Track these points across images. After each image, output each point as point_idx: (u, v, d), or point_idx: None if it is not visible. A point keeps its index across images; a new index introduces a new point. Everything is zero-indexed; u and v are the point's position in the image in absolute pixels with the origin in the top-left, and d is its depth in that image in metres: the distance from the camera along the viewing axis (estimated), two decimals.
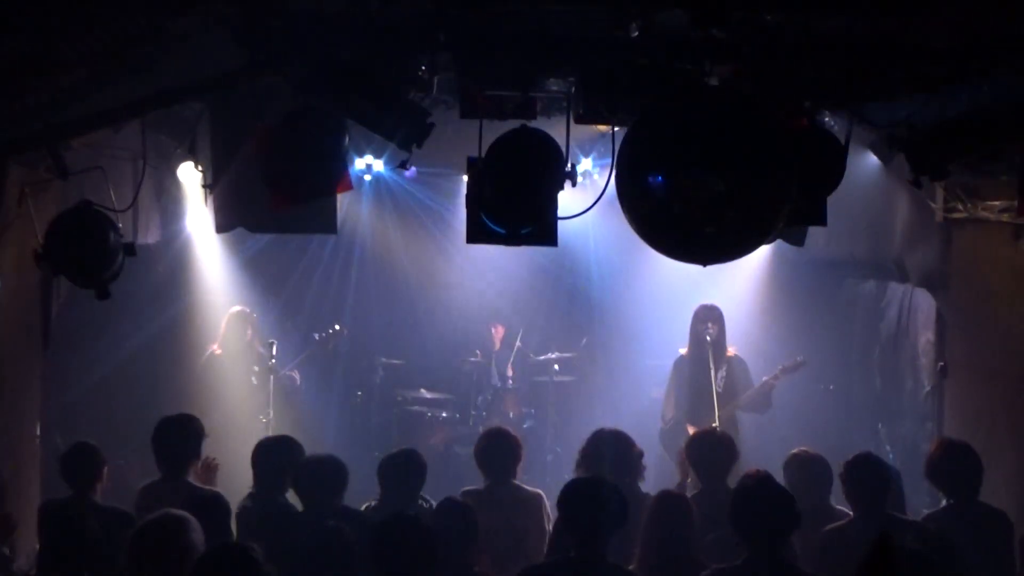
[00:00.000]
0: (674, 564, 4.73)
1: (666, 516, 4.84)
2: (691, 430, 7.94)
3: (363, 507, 5.71)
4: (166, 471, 5.76)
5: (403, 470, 5.63)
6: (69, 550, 4.71)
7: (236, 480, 6.26)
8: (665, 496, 5.02)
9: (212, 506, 5.05)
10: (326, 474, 5.45)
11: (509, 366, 10.36)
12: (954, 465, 5.39)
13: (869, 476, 5.21)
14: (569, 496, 4.73)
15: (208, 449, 6.03)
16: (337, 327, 9.54)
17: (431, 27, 4.31)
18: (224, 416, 8.62)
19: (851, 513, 5.52)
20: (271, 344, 9.02)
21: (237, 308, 9.30)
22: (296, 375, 9.21)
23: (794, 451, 5.67)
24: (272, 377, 8.93)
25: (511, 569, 5.21)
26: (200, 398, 8.32)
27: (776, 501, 4.53)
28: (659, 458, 8.48)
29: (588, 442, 5.71)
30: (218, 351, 9.06)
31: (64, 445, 6.03)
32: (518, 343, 10.44)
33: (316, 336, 9.57)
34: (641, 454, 5.69)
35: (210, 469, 5.96)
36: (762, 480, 4.64)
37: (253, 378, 9.03)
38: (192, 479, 5.77)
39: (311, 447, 5.82)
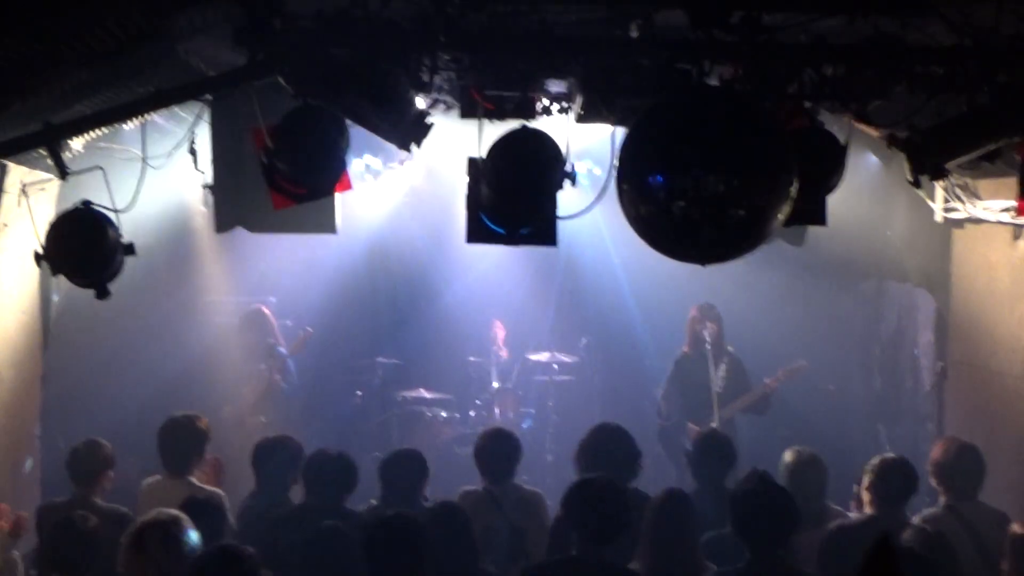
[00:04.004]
0: (677, 563, 4.73)
1: (671, 515, 4.83)
2: (693, 429, 7.96)
3: (364, 507, 5.72)
4: (170, 470, 5.78)
5: (405, 470, 5.63)
6: (68, 551, 4.72)
7: (236, 479, 6.27)
8: (670, 495, 5.01)
9: (209, 506, 5.06)
10: (336, 471, 5.46)
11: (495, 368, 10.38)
12: (963, 466, 5.41)
13: (902, 480, 5.24)
14: (576, 497, 4.73)
15: (208, 448, 6.04)
16: (306, 330, 9.46)
17: (431, 27, 4.31)
18: (225, 416, 8.64)
19: (848, 514, 5.54)
20: (272, 346, 9.02)
21: (254, 307, 9.33)
22: (279, 378, 9.17)
23: (791, 451, 5.68)
24: (270, 380, 8.94)
25: (511, 569, 5.21)
26: (200, 397, 8.31)
27: (777, 503, 4.54)
28: (657, 457, 8.50)
29: (588, 436, 5.72)
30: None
31: (64, 445, 6.04)
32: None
33: (299, 331, 9.53)
34: (639, 452, 5.69)
35: (218, 469, 5.97)
36: (763, 482, 4.64)
37: (255, 378, 9.03)
38: (195, 479, 5.78)
39: (311, 447, 5.83)
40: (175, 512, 4.45)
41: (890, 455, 5.48)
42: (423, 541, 4.47)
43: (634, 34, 4.50)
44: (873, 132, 5.15)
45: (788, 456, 5.63)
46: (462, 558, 4.80)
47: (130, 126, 5.53)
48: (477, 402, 10.26)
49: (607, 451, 5.56)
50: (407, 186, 10.06)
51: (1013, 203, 5.98)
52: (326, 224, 5.92)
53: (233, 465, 6.23)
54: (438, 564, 4.61)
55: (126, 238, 4.58)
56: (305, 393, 9.45)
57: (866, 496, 5.34)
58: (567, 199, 4.63)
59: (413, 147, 4.71)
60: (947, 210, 6.99)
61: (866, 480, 5.32)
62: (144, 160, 4.84)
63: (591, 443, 5.67)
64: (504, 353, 10.42)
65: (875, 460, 5.35)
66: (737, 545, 4.68)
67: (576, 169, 4.55)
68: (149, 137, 4.90)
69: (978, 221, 6.72)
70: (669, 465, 8.53)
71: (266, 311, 9.37)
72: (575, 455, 5.73)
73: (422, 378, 10.36)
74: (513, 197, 4.57)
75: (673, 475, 8.29)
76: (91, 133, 5.46)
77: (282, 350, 9.14)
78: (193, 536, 4.35)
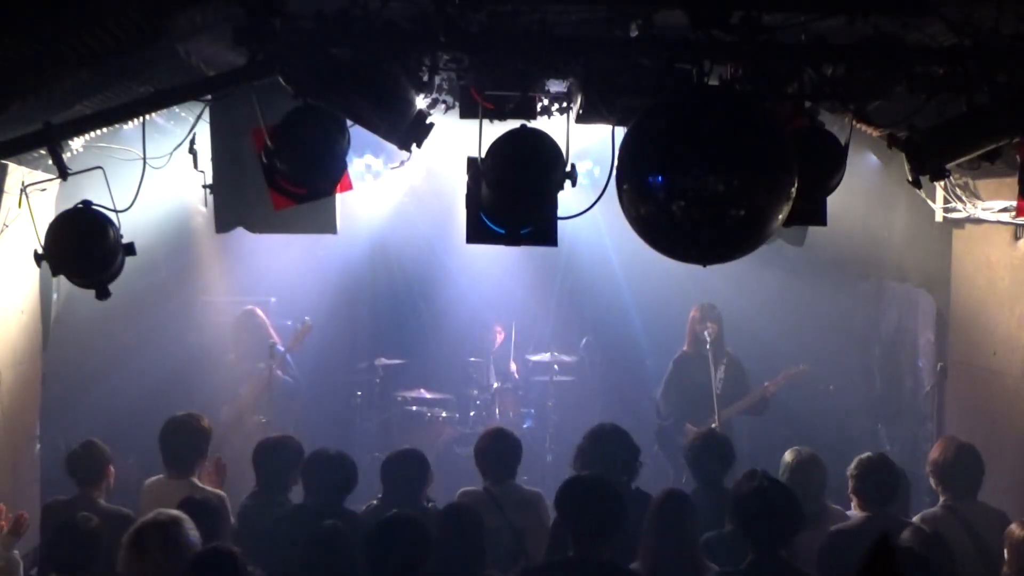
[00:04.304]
0: (678, 563, 4.73)
1: (672, 515, 4.84)
2: (692, 429, 7.96)
3: (364, 507, 5.72)
4: (172, 470, 5.78)
5: (407, 470, 5.64)
6: (69, 551, 4.72)
7: (236, 479, 6.27)
8: (670, 495, 5.02)
9: (211, 506, 5.06)
10: (335, 471, 5.46)
11: (512, 362, 10.36)
12: (961, 465, 5.42)
13: (885, 478, 5.23)
14: (567, 494, 4.74)
15: (209, 447, 6.04)
16: (305, 322, 9.41)
17: (431, 27, 4.30)
18: (224, 416, 8.64)
19: (848, 513, 5.54)
20: (271, 345, 9.02)
21: (246, 308, 9.32)
22: (280, 373, 9.13)
23: (791, 451, 5.68)
24: (271, 377, 8.93)
25: (511, 569, 5.21)
26: (200, 397, 8.32)
27: (782, 502, 4.54)
28: (656, 457, 8.51)
29: (587, 437, 5.72)
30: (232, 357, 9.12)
31: (64, 445, 6.05)
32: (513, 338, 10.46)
33: (298, 324, 9.51)
34: (638, 452, 5.69)
35: (219, 470, 5.98)
36: (767, 480, 4.65)
37: (254, 378, 9.02)
38: (198, 479, 5.79)
39: (311, 448, 5.83)
40: (175, 513, 4.45)
41: (867, 455, 5.43)
42: (423, 540, 4.47)
43: (634, 34, 4.50)
44: (873, 132, 5.14)
45: (788, 456, 5.63)
46: (469, 561, 4.80)
47: (130, 126, 5.54)
48: (477, 402, 10.26)
49: (604, 452, 5.57)
50: (407, 186, 10.05)
51: (1013, 203, 5.98)
52: (326, 224, 5.92)
53: (232, 466, 6.23)
54: (445, 566, 4.62)
55: (126, 238, 4.58)
56: (305, 393, 9.44)
57: (854, 499, 5.35)
58: (567, 199, 4.63)
59: (413, 147, 4.71)
60: (947, 210, 6.99)
61: (850, 484, 5.32)
62: (144, 160, 4.83)
63: (589, 445, 5.67)
64: (502, 352, 10.40)
65: (853, 463, 5.33)
66: (736, 544, 4.68)
67: (576, 169, 4.54)
68: (149, 137, 4.90)
69: (978, 221, 6.72)
70: (668, 465, 8.53)
71: (258, 312, 9.36)
72: (573, 458, 5.73)
73: (422, 378, 10.36)
74: (513, 197, 4.57)
75: (672, 475, 8.30)
76: (91, 133, 5.46)
77: (279, 347, 9.13)
78: (193, 537, 4.34)
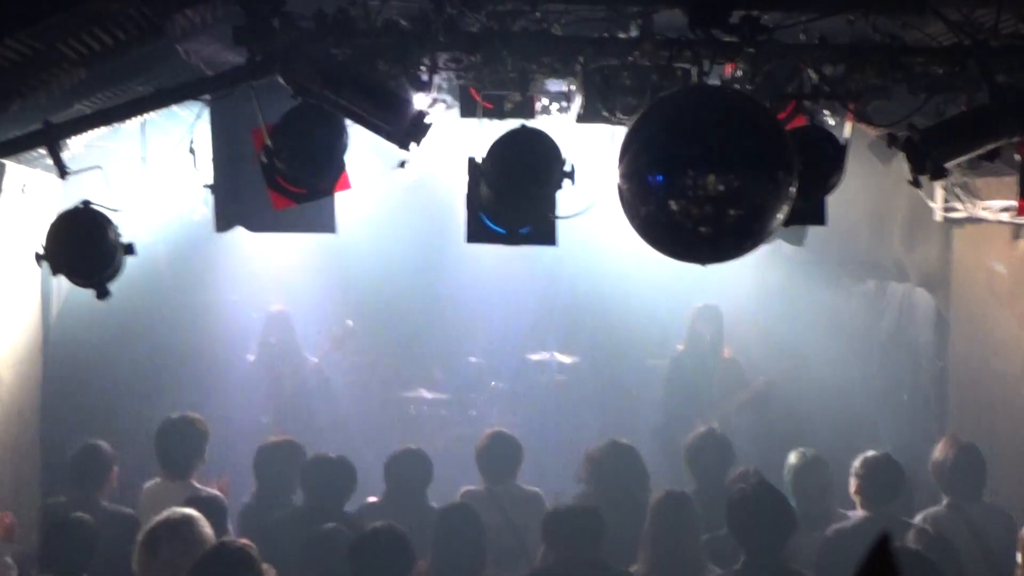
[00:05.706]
0: (679, 564, 4.73)
1: (671, 516, 4.84)
2: (691, 429, 7.96)
3: (361, 506, 5.72)
4: (169, 472, 5.77)
5: (411, 468, 5.64)
6: (67, 552, 4.72)
7: (237, 480, 6.27)
8: (670, 496, 5.02)
9: (211, 507, 5.06)
10: (335, 475, 5.46)
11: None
12: (963, 465, 5.42)
13: (889, 477, 5.24)
14: (551, 528, 4.75)
15: (210, 449, 6.03)
16: (347, 324, 9.40)
17: (430, 27, 4.31)
18: (225, 415, 8.63)
19: (850, 515, 5.54)
20: (272, 345, 9.01)
21: (278, 308, 9.28)
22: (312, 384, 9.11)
23: (795, 452, 5.67)
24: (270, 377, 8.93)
25: (512, 568, 5.22)
26: (201, 397, 8.31)
27: (774, 507, 4.54)
28: (657, 456, 8.49)
29: (600, 451, 5.72)
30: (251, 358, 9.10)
31: (64, 445, 6.04)
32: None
33: (337, 328, 9.47)
34: (647, 476, 5.70)
35: (224, 490, 5.97)
36: (758, 485, 4.65)
37: (290, 378, 9.00)
38: (195, 481, 5.77)
39: (310, 448, 5.83)
40: (188, 511, 4.44)
41: (872, 453, 5.44)
42: (405, 551, 4.47)
43: (634, 34, 4.50)
44: (873, 132, 5.14)
45: (792, 458, 5.63)
46: (469, 560, 4.80)
47: (130, 125, 5.53)
48: (477, 402, 10.25)
49: (616, 469, 5.57)
50: (407, 185, 10.03)
51: (1013, 203, 5.98)
52: (326, 224, 5.92)
53: (240, 470, 6.23)
54: (445, 566, 4.62)
55: (126, 238, 4.58)
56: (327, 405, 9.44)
57: (857, 499, 5.34)
58: (567, 199, 4.63)
59: (413, 147, 4.70)
60: (947, 210, 6.99)
61: (853, 484, 5.32)
62: (144, 160, 4.83)
63: (601, 458, 5.67)
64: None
65: (858, 462, 5.33)
66: (734, 546, 4.68)
67: (576, 169, 4.54)
68: (149, 137, 4.89)
69: (978, 221, 6.72)
70: (667, 465, 8.52)
71: (287, 312, 9.33)
72: (584, 466, 5.73)
73: (422, 378, 10.35)
74: (513, 197, 4.57)
75: (670, 475, 8.29)
76: (91, 132, 5.45)
77: (313, 358, 9.11)
78: (207, 535, 4.34)
